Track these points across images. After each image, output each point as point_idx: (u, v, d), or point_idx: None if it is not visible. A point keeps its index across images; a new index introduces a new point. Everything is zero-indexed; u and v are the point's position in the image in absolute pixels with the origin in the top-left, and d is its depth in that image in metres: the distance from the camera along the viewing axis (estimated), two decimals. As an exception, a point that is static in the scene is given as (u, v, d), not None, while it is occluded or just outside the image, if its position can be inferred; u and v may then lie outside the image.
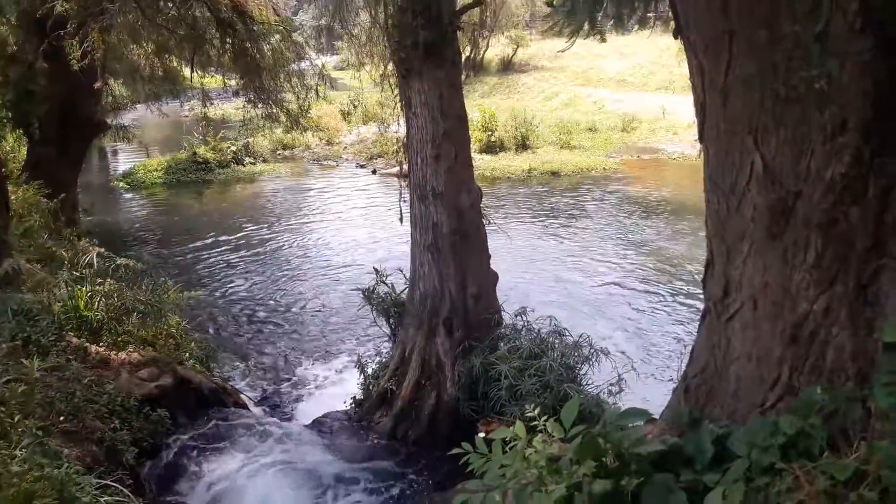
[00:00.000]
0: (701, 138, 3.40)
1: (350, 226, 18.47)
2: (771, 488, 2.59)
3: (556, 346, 7.82)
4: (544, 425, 3.27)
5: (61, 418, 6.15)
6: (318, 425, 8.51)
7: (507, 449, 3.44)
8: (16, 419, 5.26)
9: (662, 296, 13.38)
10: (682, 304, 12.81)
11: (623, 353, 9.39)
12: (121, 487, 5.49)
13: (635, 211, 19.07)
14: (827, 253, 2.88)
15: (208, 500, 6.92)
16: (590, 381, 7.57)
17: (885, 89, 2.65)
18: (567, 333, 8.08)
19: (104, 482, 5.43)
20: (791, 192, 2.91)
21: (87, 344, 7.71)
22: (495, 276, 8.58)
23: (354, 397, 8.99)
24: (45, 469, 4.68)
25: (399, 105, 8.47)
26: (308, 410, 9.32)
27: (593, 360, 7.69)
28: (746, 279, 3.14)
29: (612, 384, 7.05)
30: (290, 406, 9.59)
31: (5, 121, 14.48)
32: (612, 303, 13.15)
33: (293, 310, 13.11)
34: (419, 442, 8.03)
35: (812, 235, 2.89)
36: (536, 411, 3.41)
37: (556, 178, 23.14)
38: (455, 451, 3.49)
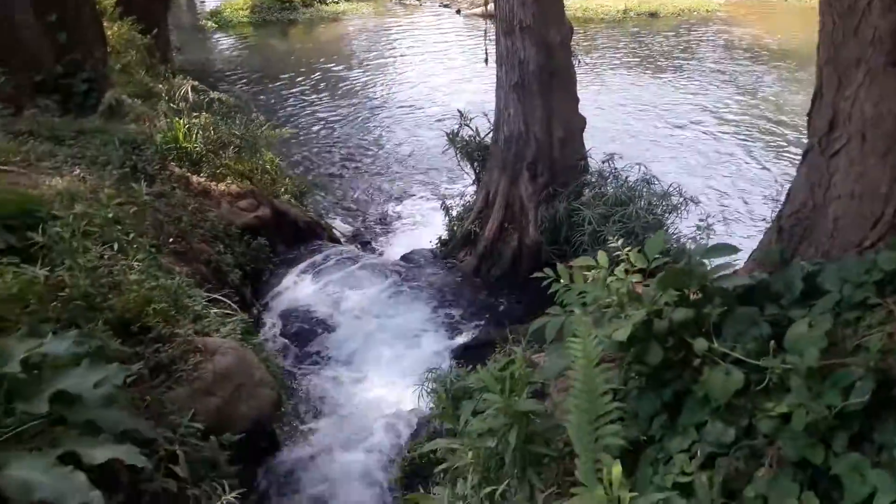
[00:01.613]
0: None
1: (435, 67, 18.06)
2: (861, 322, 2.58)
3: (644, 194, 7.69)
4: (627, 255, 3.31)
5: (170, 240, 6.65)
6: (406, 260, 8.89)
7: (589, 278, 3.53)
8: (130, 237, 5.74)
9: (768, 146, 12.66)
10: (790, 155, 12.10)
11: (716, 202, 9.10)
12: (228, 302, 6.02)
13: (743, 56, 17.68)
14: (953, 83, 2.65)
15: (307, 318, 7.51)
16: (677, 230, 7.48)
17: None
18: (656, 181, 7.91)
19: (213, 296, 5.96)
20: (919, 14, 2.64)
21: (189, 174, 8.13)
22: (583, 121, 8.33)
23: (440, 237, 9.24)
24: (160, 279, 5.16)
25: (482, -65, 7.93)
26: (395, 248, 9.70)
27: (682, 209, 7.55)
28: (857, 110, 2.94)
29: (699, 230, 6.93)
30: (379, 243, 9.99)
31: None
32: (711, 152, 12.60)
33: (380, 150, 13.28)
34: (501, 280, 8.30)
35: (939, 64, 2.65)
36: (619, 242, 3.44)
37: (655, 20, 21.62)
38: (537, 274, 3.60)
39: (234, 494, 4.09)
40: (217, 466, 4.36)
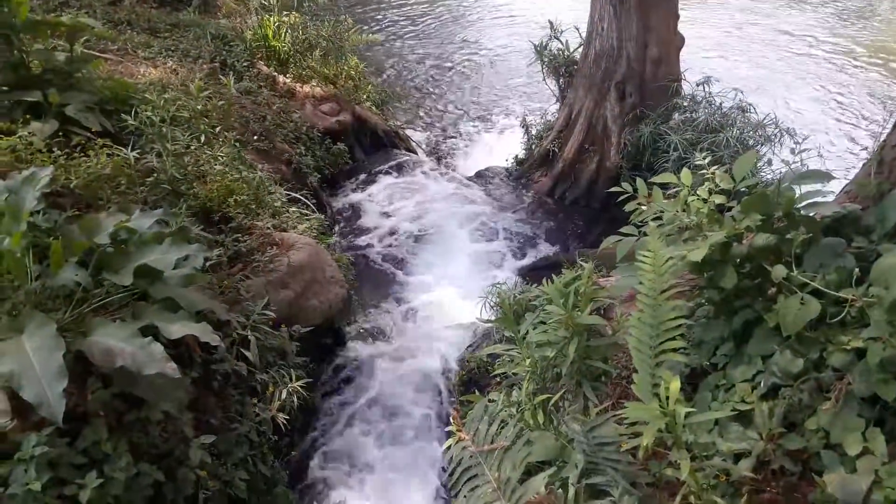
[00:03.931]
0: None
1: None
2: (958, 260, 2.40)
3: (737, 122, 7.29)
4: (713, 174, 3.14)
5: (255, 137, 6.79)
6: (480, 177, 8.83)
7: (669, 196, 3.39)
8: (217, 129, 5.89)
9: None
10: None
11: (819, 136, 8.46)
12: (306, 201, 6.16)
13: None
14: None
15: (380, 224, 7.64)
16: (769, 163, 7.08)
17: None
18: (752, 110, 7.46)
19: (292, 195, 6.11)
20: None
21: (276, 74, 8.20)
22: (681, 40, 7.86)
23: (516, 156, 9.10)
24: (243, 173, 5.30)
25: None
26: (471, 163, 9.63)
27: (776, 140, 7.13)
28: None
29: (793, 154, 6.53)
30: (455, 156, 9.93)
31: None
32: (826, 83, 11.70)
33: (464, 61, 13.00)
34: (576, 203, 8.16)
35: None
36: (707, 160, 3.26)
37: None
38: (614, 189, 3.49)
39: (299, 383, 4.30)
40: (285, 355, 4.57)
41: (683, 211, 3.17)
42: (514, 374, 3.43)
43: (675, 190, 3.26)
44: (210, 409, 3.78)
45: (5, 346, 2.87)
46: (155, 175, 4.65)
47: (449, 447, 2.60)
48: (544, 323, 3.41)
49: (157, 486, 3.14)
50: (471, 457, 2.45)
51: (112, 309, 3.47)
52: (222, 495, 3.56)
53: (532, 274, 6.64)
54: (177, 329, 3.32)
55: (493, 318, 5.11)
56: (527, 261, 7.21)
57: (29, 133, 4.45)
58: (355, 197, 8.14)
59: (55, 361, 2.80)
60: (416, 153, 9.55)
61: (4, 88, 4.81)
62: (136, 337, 3.11)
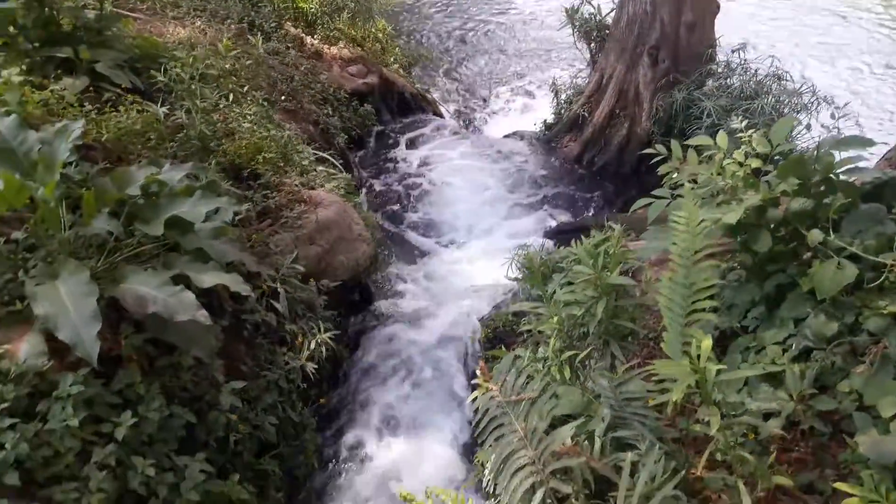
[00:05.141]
0: None
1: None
2: None
3: (773, 89, 7.12)
4: (749, 138, 3.08)
5: (282, 97, 6.78)
6: (508, 140, 8.76)
7: (704, 160, 3.34)
8: (245, 89, 5.89)
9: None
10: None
11: (851, 106, 8.29)
12: (334, 161, 6.16)
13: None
14: None
15: (407, 185, 7.65)
16: (804, 132, 6.92)
17: None
18: (788, 78, 7.27)
19: (320, 154, 6.11)
20: None
21: (303, 35, 8.16)
22: (717, 5, 7.66)
23: (545, 120, 8.99)
24: (271, 131, 5.30)
25: None
26: (499, 127, 9.54)
27: (813, 109, 6.95)
28: None
29: (833, 119, 6.37)
30: (483, 122, 9.84)
31: None
32: (859, 55, 11.38)
33: (494, 26, 12.79)
34: (605, 169, 8.07)
35: None
36: (743, 124, 3.20)
37: None
38: (647, 151, 3.44)
39: (328, 335, 4.36)
40: (314, 308, 4.63)
41: (718, 174, 3.11)
42: (539, 331, 3.43)
43: (708, 154, 3.20)
44: (240, 356, 3.84)
45: (41, 290, 2.93)
46: (184, 131, 4.68)
47: (475, 398, 2.62)
48: (572, 283, 3.40)
49: (189, 427, 3.22)
50: (497, 406, 2.46)
51: (144, 258, 3.52)
52: (252, 439, 3.65)
53: (559, 237, 6.60)
54: (208, 279, 3.37)
55: (520, 275, 5.10)
56: (554, 223, 7.17)
57: (61, 88, 4.49)
58: (382, 157, 8.13)
59: (89, 305, 2.86)
60: (442, 116, 9.48)
61: (36, 44, 4.83)
62: (168, 285, 3.15)
